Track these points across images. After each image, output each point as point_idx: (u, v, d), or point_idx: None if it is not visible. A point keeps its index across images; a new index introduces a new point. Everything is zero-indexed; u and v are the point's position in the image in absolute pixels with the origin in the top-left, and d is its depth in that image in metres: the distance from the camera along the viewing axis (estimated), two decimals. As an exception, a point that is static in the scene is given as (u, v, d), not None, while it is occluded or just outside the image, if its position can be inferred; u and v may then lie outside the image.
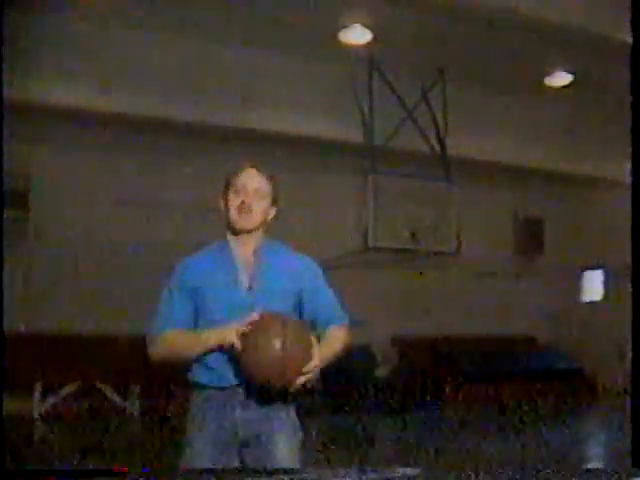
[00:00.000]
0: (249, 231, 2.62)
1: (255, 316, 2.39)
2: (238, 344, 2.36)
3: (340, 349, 2.63)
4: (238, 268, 2.58)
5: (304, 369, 2.38)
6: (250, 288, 2.56)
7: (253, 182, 2.62)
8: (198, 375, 2.56)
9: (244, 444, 2.52)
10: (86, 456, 7.18)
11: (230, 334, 2.39)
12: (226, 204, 2.63)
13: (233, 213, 2.60)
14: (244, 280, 2.57)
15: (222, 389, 2.51)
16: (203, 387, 2.55)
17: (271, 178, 2.69)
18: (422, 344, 13.52)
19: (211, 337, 2.46)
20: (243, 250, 2.62)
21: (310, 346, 2.40)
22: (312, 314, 2.65)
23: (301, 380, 2.38)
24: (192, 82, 10.09)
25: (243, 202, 2.58)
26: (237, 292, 2.55)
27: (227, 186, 2.64)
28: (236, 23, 9.58)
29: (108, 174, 11.37)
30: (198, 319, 2.57)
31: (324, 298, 2.69)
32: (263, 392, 2.44)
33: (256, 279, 2.57)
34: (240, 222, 2.60)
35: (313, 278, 2.68)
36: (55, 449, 8.39)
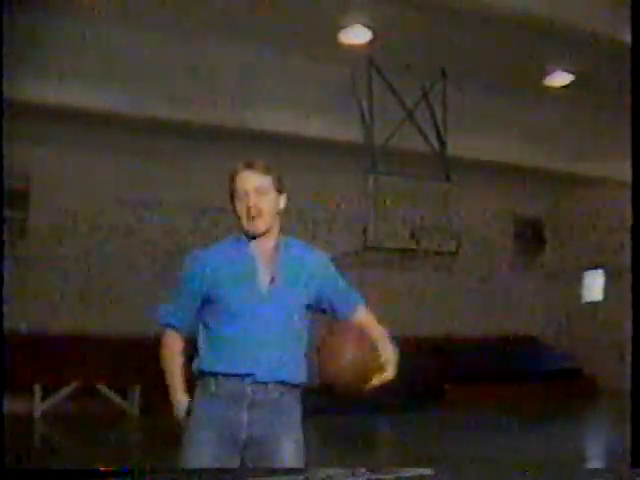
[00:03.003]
0: (262, 234, 2.60)
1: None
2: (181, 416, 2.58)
3: (384, 332, 2.78)
4: (257, 261, 2.58)
5: (376, 376, 2.59)
6: (272, 281, 2.55)
7: (252, 183, 2.57)
8: (208, 363, 2.54)
9: (247, 444, 2.51)
10: (86, 456, 7.18)
11: (180, 405, 2.60)
12: (234, 210, 2.61)
13: (244, 220, 2.58)
14: (265, 273, 2.57)
15: (233, 376, 2.50)
16: (214, 375, 2.52)
17: (268, 169, 2.64)
18: (422, 344, 13.51)
19: (172, 387, 2.63)
20: (262, 245, 2.61)
21: (378, 355, 2.59)
22: (331, 304, 2.70)
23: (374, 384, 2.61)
24: (192, 82, 10.09)
25: (249, 208, 2.55)
26: (258, 286, 2.54)
27: (231, 193, 2.62)
28: (236, 23, 9.57)
29: (108, 174, 11.37)
30: (217, 314, 2.55)
31: (340, 286, 2.73)
32: (338, 395, 2.56)
33: (278, 272, 2.57)
34: (252, 227, 2.57)
35: (328, 269, 2.71)
36: (55, 449, 8.39)
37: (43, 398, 10.43)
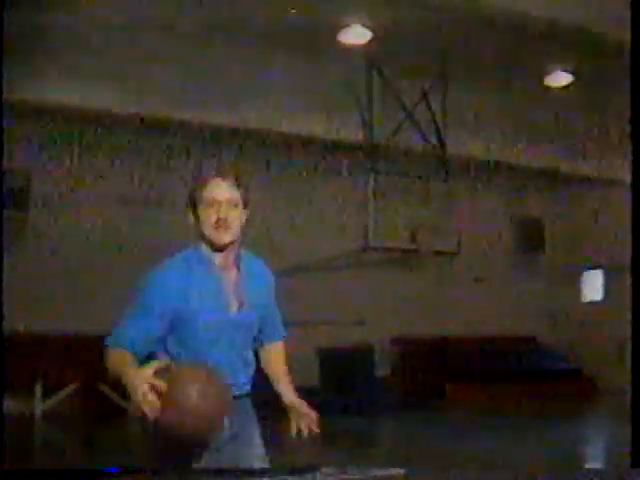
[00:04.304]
0: (228, 245, 2.50)
1: (162, 364, 2.24)
2: (147, 404, 2.13)
3: (287, 371, 2.75)
4: (224, 284, 2.50)
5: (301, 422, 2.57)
6: (241, 306, 2.50)
7: (224, 193, 2.46)
8: None
9: (227, 444, 2.53)
10: (86, 456, 7.18)
11: (138, 391, 2.13)
12: (197, 219, 2.48)
13: (209, 230, 2.45)
14: (230, 296, 2.50)
15: None
16: None
17: (239, 181, 2.52)
18: (422, 344, 13.52)
19: (127, 377, 2.21)
20: (224, 260, 2.52)
21: (224, 393, 2.30)
22: (262, 325, 2.64)
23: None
24: (192, 82, 10.08)
25: (219, 219, 2.44)
26: (226, 311, 2.49)
27: (194, 200, 2.48)
28: (236, 23, 9.57)
29: (108, 174, 11.37)
30: (185, 342, 2.45)
31: (275, 310, 2.74)
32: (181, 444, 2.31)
33: (244, 295, 2.52)
34: (219, 238, 2.45)
35: (272, 289, 2.69)
36: (55, 449, 8.39)
37: (43, 398, 10.43)
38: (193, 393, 2.16)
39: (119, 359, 2.32)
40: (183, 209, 2.56)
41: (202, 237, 2.48)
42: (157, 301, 2.40)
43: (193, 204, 2.49)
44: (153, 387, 2.13)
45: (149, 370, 2.17)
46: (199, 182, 2.49)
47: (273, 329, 2.73)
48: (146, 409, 2.11)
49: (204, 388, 2.19)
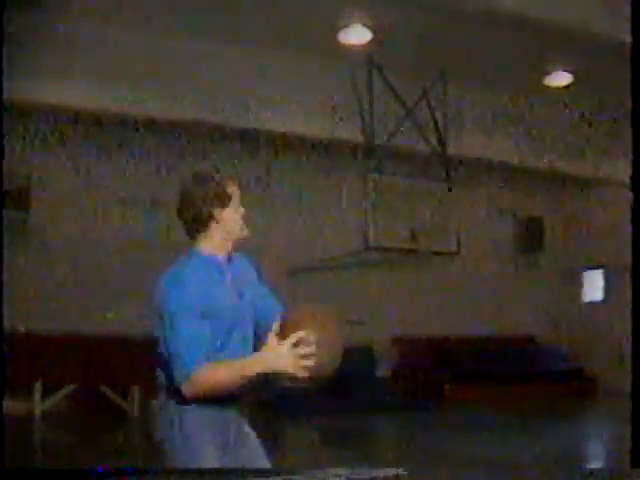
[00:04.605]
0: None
1: (277, 326, 2.36)
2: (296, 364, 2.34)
3: None
4: (226, 280, 2.58)
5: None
6: (240, 299, 2.58)
7: (238, 191, 2.63)
8: None
9: (236, 441, 2.54)
10: (86, 456, 7.18)
11: (280, 358, 2.32)
12: (221, 218, 2.56)
13: (240, 225, 2.60)
14: (233, 291, 2.58)
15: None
16: None
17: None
18: (422, 344, 13.52)
19: (256, 365, 2.35)
20: (222, 259, 2.60)
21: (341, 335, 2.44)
22: (262, 311, 2.68)
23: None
24: (192, 82, 10.08)
25: (243, 215, 2.62)
26: (234, 303, 2.55)
27: (222, 200, 2.56)
28: (236, 23, 9.58)
29: (108, 174, 11.37)
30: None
31: (267, 292, 2.77)
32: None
33: (239, 289, 2.60)
34: (244, 232, 2.62)
35: (257, 276, 2.75)
36: (55, 449, 8.39)
37: (43, 398, 10.42)
38: (319, 340, 2.31)
39: (215, 372, 2.37)
40: (208, 212, 2.58)
41: (225, 235, 2.57)
42: (196, 302, 2.42)
43: (221, 206, 2.55)
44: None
45: (274, 341, 2.32)
46: (224, 182, 2.59)
47: (272, 309, 2.68)
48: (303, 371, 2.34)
49: (326, 332, 2.34)
